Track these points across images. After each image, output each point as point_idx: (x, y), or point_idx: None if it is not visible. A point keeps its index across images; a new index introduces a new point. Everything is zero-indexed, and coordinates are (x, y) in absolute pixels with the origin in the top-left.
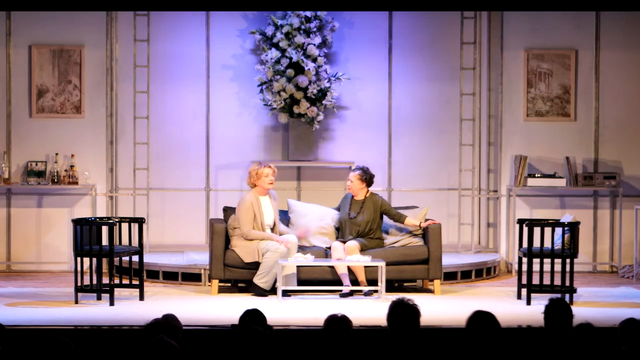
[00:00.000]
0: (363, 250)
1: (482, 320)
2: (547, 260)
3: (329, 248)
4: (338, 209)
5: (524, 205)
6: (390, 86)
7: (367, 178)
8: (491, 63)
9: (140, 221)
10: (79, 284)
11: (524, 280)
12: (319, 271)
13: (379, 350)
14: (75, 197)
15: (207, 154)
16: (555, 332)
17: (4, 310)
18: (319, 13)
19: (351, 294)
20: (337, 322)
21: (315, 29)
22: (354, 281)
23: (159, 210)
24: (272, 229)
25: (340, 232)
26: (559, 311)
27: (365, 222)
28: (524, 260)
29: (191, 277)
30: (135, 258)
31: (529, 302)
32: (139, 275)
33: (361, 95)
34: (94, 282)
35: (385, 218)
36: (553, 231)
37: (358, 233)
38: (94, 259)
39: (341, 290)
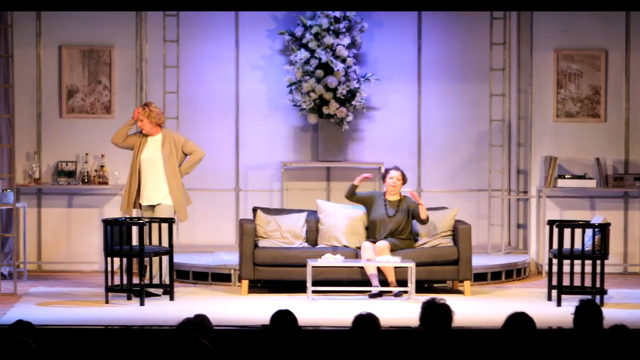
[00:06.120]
0: (393, 250)
1: (519, 322)
2: (577, 262)
3: (359, 248)
4: (366, 208)
5: (554, 207)
6: (420, 87)
7: (406, 178)
8: (521, 64)
9: (170, 221)
10: (109, 283)
11: (554, 282)
12: (348, 271)
13: (411, 351)
14: (105, 197)
15: (237, 154)
16: (585, 334)
17: (35, 309)
18: (348, 13)
19: (380, 294)
20: (365, 321)
21: (344, 30)
22: (384, 281)
23: (189, 210)
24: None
25: (371, 232)
26: (589, 313)
27: (399, 222)
28: (554, 261)
29: (221, 277)
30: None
31: (559, 304)
32: (170, 275)
33: (390, 96)
34: (124, 282)
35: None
36: (583, 232)
37: (390, 232)
38: (124, 259)
39: (370, 291)
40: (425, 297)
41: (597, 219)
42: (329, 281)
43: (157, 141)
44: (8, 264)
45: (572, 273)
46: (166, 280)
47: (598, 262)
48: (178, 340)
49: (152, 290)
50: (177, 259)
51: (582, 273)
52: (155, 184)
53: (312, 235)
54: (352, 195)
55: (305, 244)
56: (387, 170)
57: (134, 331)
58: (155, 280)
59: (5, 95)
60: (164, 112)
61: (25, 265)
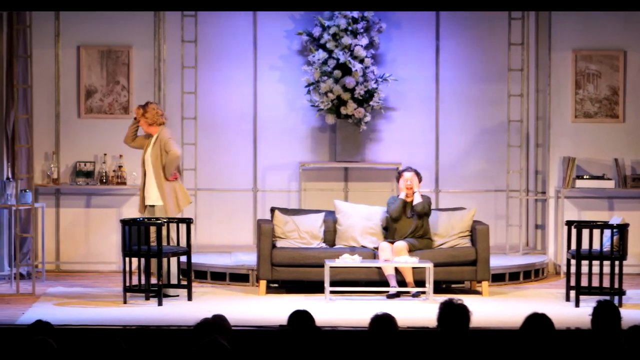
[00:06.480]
0: (411, 251)
1: (538, 322)
2: (595, 262)
3: (376, 248)
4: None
5: (572, 207)
6: (438, 87)
7: (420, 176)
8: (539, 64)
9: (188, 222)
10: (127, 284)
11: (573, 282)
12: (366, 272)
13: (428, 352)
14: (123, 198)
15: (255, 154)
16: (603, 335)
17: (53, 309)
18: (366, 14)
19: (398, 295)
20: (383, 321)
21: (362, 30)
22: (402, 282)
23: (206, 211)
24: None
25: (389, 233)
26: (607, 313)
27: (416, 222)
28: (573, 262)
29: (239, 277)
30: (184, 258)
31: (577, 304)
32: (187, 275)
33: (408, 96)
34: (142, 282)
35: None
36: (602, 233)
37: (408, 233)
38: (142, 259)
39: (388, 292)
40: (443, 297)
41: (615, 219)
42: (347, 282)
43: (153, 141)
44: (26, 264)
45: (590, 274)
46: (177, 280)
47: (616, 262)
48: (196, 340)
49: (170, 292)
50: (195, 259)
51: (601, 274)
52: (149, 184)
53: (330, 235)
54: (404, 212)
55: (323, 245)
56: (400, 173)
57: (152, 331)
58: (172, 280)
59: (23, 95)
60: (163, 113)
61: (44, 265)
